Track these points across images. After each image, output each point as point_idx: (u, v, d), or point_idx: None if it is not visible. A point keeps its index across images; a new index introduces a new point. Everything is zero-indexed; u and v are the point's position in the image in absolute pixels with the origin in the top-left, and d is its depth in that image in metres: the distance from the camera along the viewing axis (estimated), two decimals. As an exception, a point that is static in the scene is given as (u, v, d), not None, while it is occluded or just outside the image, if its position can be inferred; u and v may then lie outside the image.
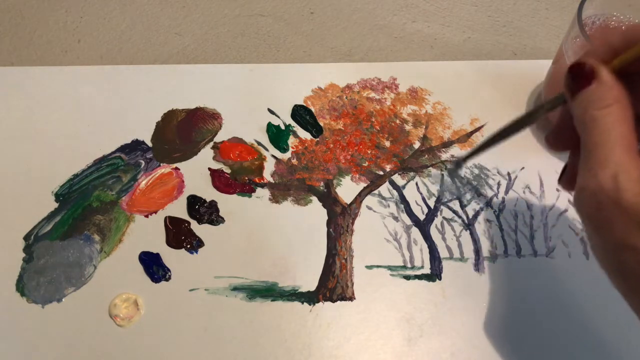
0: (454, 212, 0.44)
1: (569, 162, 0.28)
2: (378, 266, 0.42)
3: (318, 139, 0.48)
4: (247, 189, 0.45)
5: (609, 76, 0.24)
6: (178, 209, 0.44)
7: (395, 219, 0.44)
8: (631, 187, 0.22)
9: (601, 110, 0.23)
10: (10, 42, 0.55)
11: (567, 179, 0.28)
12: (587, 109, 0.24)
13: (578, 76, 0.25)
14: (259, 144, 0.48)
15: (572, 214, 0.44)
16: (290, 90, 0.51)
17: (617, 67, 0.24)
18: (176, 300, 0.40)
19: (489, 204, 0.45)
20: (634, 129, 0.23)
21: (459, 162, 0.39)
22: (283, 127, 0.49)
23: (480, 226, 0.44)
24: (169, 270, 0.41)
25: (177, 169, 0.46)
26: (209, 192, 0.45)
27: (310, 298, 0.40)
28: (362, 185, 0.46)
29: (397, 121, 0.49)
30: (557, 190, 0.45)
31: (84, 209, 0.44)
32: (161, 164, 0.46)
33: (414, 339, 0.39)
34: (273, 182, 0.46)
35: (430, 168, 0.46)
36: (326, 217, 0.44)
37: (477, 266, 0.42)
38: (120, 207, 0.44)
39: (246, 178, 0.46)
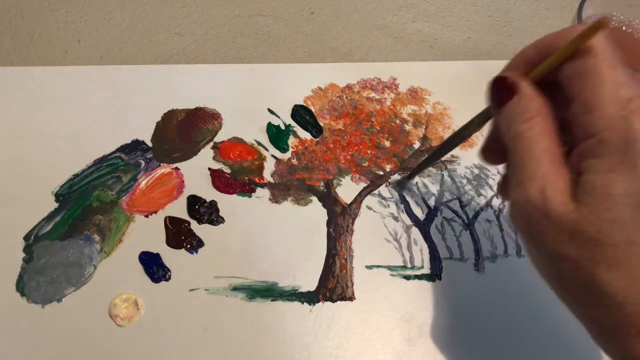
0: (454, 212, 0.44)
1: (507, 173, 0.29)
2: (378, 266, 0.42)
3: (318, 139, 0.48)
4: (247, 189, 0.45)
5: (529, 89, 0.24)
6: (178, 209, 0.44)
7: (395, 219, 0.44)
8: (558, 198, 0.22)
9: (524, 123, 0.24)
10: (10, 42, 0.55)
11: (506, 190, 0.28)
12: (511, 123, 0.24)
13: (500, 90, 0.25)
14: (259, 144, 0.48)
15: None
16: (290, 90, 0.51)
17: (536, 78, 0.25)
18: (176, 300, 0.40)
19: (489, 204, 0.45)
20: (558, 139, 0.24)
21: (403, 182, 0.42)
22: (283, 127, 0.49)
23: (480, 226, 0.44)
24: (169, 270, 0.41)
25: (177, 169, 0.46)
26: (209, 192, 0.45)
27: (310, 298, 0.40)
28: (362, 185, 0.46)
29: (397, 121, 0.49)
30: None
31: (84, 209, 0.44)
32: (161, 164, 0.46)
33: (414, 339, 0.39)
34: (273, 182, 0.46)
35: (430, 168, 0.46)
36: (326, 217, 0.44)
37: (477, 266, 0.42)
38: (120, 207, 0.44)
39: (246, 178, 0.46)
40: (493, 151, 0.29)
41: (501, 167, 0.46)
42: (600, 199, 0.21)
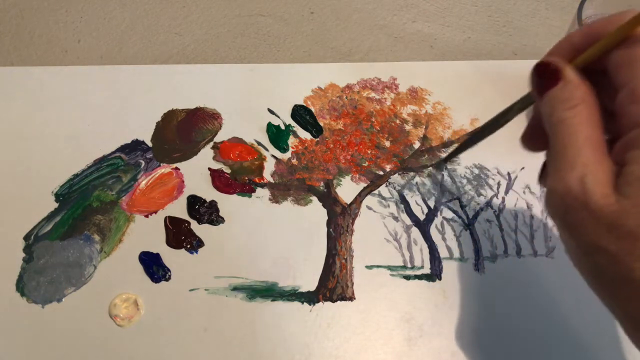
0: (454, 212, 0.44)
1: (548, 160, 0.29)
2: (378, 266, 0.42)
3: (318, 139, 0.48)
4: (247, 189, 0.45)
5: (574, 75, 0.24)
6: (178, 209, 0.44)
7: (395, 219, 0.44)
8: (599, 190, 0.22)
9: (568, 111, 0.23)
10: (10, 42, 0.55)
11: (545, 178, 0.28)
12: (554, 109, 0.24)
13: (544, 76, 0.24)
14: (259, 144, 0.48)
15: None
16: (290, 90, 0.51)
17: (580, 65, 0.24)
18: (176, 300, 0.40)
19: (489, 204, 0.45)
20: (601, 128, 0.23)
21: (440, 163, 0.40)
22: (283, 127, 0.49)
23: (480, 226, 0.44)
24: (169, 270, 0.41)
25: (177, 169, 0.46)
26: (209, 192, 0.45)
27: (310, 298, 0.40)
28: (362, 185, 0.46)
29: (397, 121, 0.49)
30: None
31: (84, 209, 0.44)
32: (161, 164, 0.46)
33: (414, 339, 0.39)
34: (273, 182, 0.46)
35: (430, 168, 0.46)
36: (326, 217, 0.44)
37: (477, 266, 0.42)
38: (120, 207, 0.44)
39: (246, 178, 0.46)
40: (534, 138, 0.28)
41: (501, 167, 0.46)
42: None
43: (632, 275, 0.21)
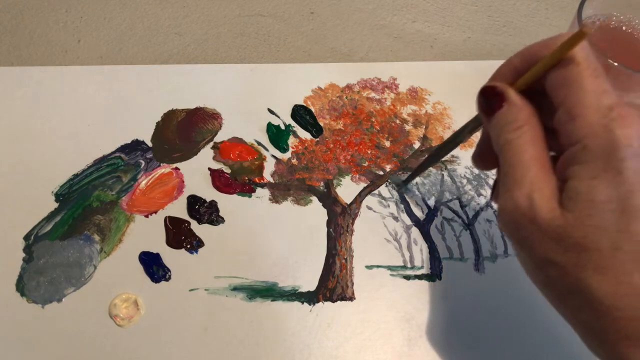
0: (454, 212, 0.44)
1: (498, 180, 0.29)
2: (378, 266, 0.42)
3: (318, 139, 0.48)
4: (247, 189, 0.45)
5: (516, 97, 0.25)
6: (178, 209, 0.44)
7: (395, 219, 0.44)
8: (545, 205, 0.23)
9: (513, 132, 0.24)
10: (10, 42, 0.55)
11: (497, 196, 0.29)
12: (501, 132, 0.25)
13: (489, 100, 0.26)
14: (259, 144, 0.48)
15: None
16: (290, 90, 0.51)
17: (522, 87, 0.25)
18: (176, 300, 0.40)
19: (489, 204, 0.45)
20: (546, 147, 0.24)
21: (400, 184, 0.44)
22: (283, 127, 0.49)
23: (480, 226, 0.44)
24: (169, 270, 0.41)
25: (177, 169, 0.46)
26: (209, 192, 0.45)
27: (310, 298, 0.40)
28: (362, 185, 0.46)
29: (397, 121, 0.49)
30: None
31: (84, 209, 0.44)
32: (161, 164, 0.46)
33: (414, 339, 0.39)
34: (273, 182, 0.46)
35: (430, 168, 0.46)
36: (326, 217, 0.44)
37: (477, 266, 0.42)
38: (120, 207, 0.44)
39: (246, 178, 0.46)
40: (484, 157, 0.30)
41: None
42: (585, 205, 0.22)
43: (580, 285, 0.22)
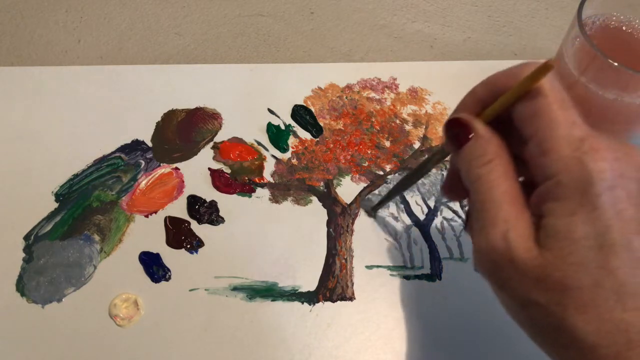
0: (454, 212, 0.44)
1: (471, 215, 0.29)
2: (378, 266, 0.42)
3: (318, 139, 0.48)
4: (247, 189, 0.45)
5: (484, 129, 0.24)
6: (178, 209, 0.44)
7: (395, 219, 0.44)
8: (521, 244, 0.22)
9: (483, 167, 0.24)
10: (10, 42, 0.55)
11: (471, 232, 0.28)
12: (470, 166, 0.24)
13: (456, 132, 0.25)
14: (259, 144, 0.48)
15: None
16: (290, 90, 0.51)
17: (488, 118, 0.25)
18: (176, 300, 0.40)
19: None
20: (517, 180, 0.24)
21: (370, 211, 0.44)
22: (283, 127, 0.49)
23: (480, 226, 0.44)
24: (169, 270, 0.41)
25: (177, 169, 0.46)
26: (209, 192, 0.45)
27: (310, 298, 0.40)
28: (362, 185, 0.46)
29: (397, 121, 0.49)
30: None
31: (84, 209, 0.44)
32: (161, 164, 0.46)
33: (414, 339, 0.39)
34: (273, 182, 0.46)
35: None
36: (326, 217, 0.44)
37: (477, 266, 0.42)
38: (120, 207, 0.44)
39: (246, 178, 0.46)
40: (453, 188, 0.29)
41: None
42: (564, 243, 0.21)
43: (564, 324, 0.21)
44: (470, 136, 0.24)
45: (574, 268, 0.21)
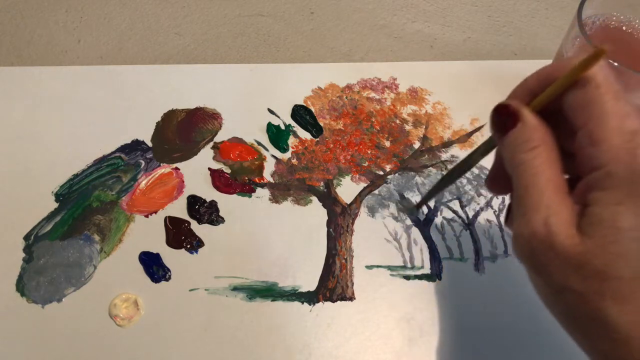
0: (454, 212, 0.44)
1: (513, 203, 0.29)
2: (378, 266, 0.42)
3: (318, 139, 0.48)
4: (247, 189, 0.45)
5: (531, 117, 0.24)
6: (178, 209, 0.44)
7: (395, 219, 0.44)
8: (563, 231, 0.22)
9: (528, 152, 0.23)
10: (10, 42, 0.55)
11: (511, 221, 0.28)
12: (514, 152, 0.24)
13: (503, 119, 0.25)
14: (259, 144, 0.48)
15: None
16: (290, 90, 0.51)
17: (537, 107, 0.25)
18: (176, 300, 0.40)
19: (489, 204, 0.45)
20: (561, 169, 0.23)
21: (413, 209, 0.44)
22: (283, 127, 0.49)
23: (480, 226, 0.44)
24: (169, 270, 0.41)
25: (177, 169, 0.46)
26: (209, 192, 0.45)
27: (310, 298, 0.40)
28: (362, 185, 0.46)
29: (397, 121, 0.49)
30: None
31: (84, 209, 0.44)
32: (161, 164, 0.46)
33: (414, 339, 0.39)
34: (273, 182, 0.46)
35: (431, 168, 0.46)
36: (326, 217, 0.44)
37: (477, 266, 0.42)
38: (120, 207, 0.44)
39: (246, 178, 0.46)
40: (498, 180, 0.29)
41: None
42: (607, 232, 0.21)
43: (600, 314, 0.21)
44: (518, 123, 0.24)
45: (615, 257, 0.21)
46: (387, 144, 0.48)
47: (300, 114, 0.49)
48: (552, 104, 0.24)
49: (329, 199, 0.45)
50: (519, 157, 0.24)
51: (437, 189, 0.37)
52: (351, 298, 0.40)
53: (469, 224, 0.44)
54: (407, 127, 0.49)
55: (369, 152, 0.47)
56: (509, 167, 0.25)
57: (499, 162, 0.28)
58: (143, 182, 0.45)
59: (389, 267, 0.42)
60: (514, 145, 0.24)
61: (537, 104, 0.25)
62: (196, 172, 0.46)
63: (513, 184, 0.24)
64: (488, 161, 0.44)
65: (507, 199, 0.45)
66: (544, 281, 0.23)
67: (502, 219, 0.44)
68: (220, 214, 0.44)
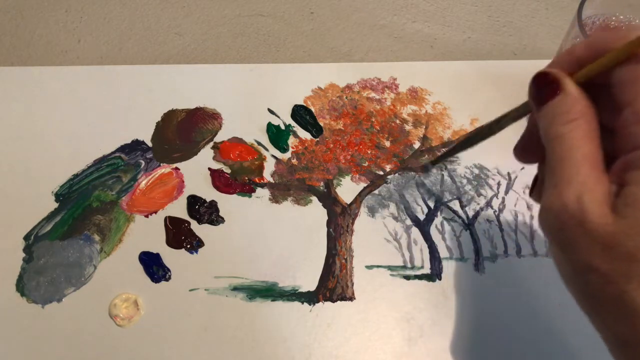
0: (454, 212, 0.44)
1: (539, 174, 0.28)
2: (378, 266, 0.42)
3: (318, 139, 0.48)
4: (247, 189, 0.45)
5: (574, 88, 0.23)
6: (178, 209, 0.44)
7: (395, 219, 0.44)
8: (596, 209, 0.21)
9: (567, 125, 0.22)
10: (10, 42, 0.55)
11: (539, 192, 0.27)
12: (552, 122, 0.23)
13: (543, 87, 0.24)
14: (259, 144, 0.48)
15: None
16: (290, 90, 0.51)
17: (582, 79, 0.23)
18: (176, 300, 0.40)
19: (489, 204, 0.45)
20: (600, 145, 0.23)
21: (428, 166, 0.41)
22: (283, 127, 0.49)
23: (480, 226, 0.44)
24: (169, 270, 0.41)
25: (177, 169, 0.46)
26: (209, 192, 0.45)
27: (310, 298, 0.40)
28: (362, 185, 0.46)
29: (397, 121, 0.49)
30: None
31: (84, 209, 0.44)
32: (161, 164, 0.46)
33: (414, 339, 0.39)
34: (273, 182, 0.46)
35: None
36: (326, 217, 0.44)
37: (477, 266, 0.42)
38: (120, 207, 0.44)
39: (246, 178, 0.46)
40: (527, 149, 0.28)
41: (501, 167, 0.46)
42: None
43: (623, 297, 0.21)
44: (558, 93, 0.23)
45: None
46: (387, 144, 0.48)
47: (300, 114, 0.49)
48: (600, 77, 0.23)
49: (329, 199, 0.45)
50: (556, 128, 0.23)
51: (456, 150, 0.34)
52: (351, 298, 0.40)
53: (469, 224, 0.44)
54: (407, 127, 0.49)
55: (369, 152, 0.47)
56: (544, 138, 0.24)
57: (531, 130, 0.27)
58: (143, 182, 0.45)
59: (389, 267, 0.42)
60: (551, 115, 0.23)
61: (582, 75, 0.23)
62: (196, 172, 0.46)
63: (547, 155, 0.23)
64: (489, 161, 0.43)
65: (507, 199, 0.45)
66: (568, 258, 0.23)
67: (503, 216, 0.44)
68: (220, 214, 0.44)
